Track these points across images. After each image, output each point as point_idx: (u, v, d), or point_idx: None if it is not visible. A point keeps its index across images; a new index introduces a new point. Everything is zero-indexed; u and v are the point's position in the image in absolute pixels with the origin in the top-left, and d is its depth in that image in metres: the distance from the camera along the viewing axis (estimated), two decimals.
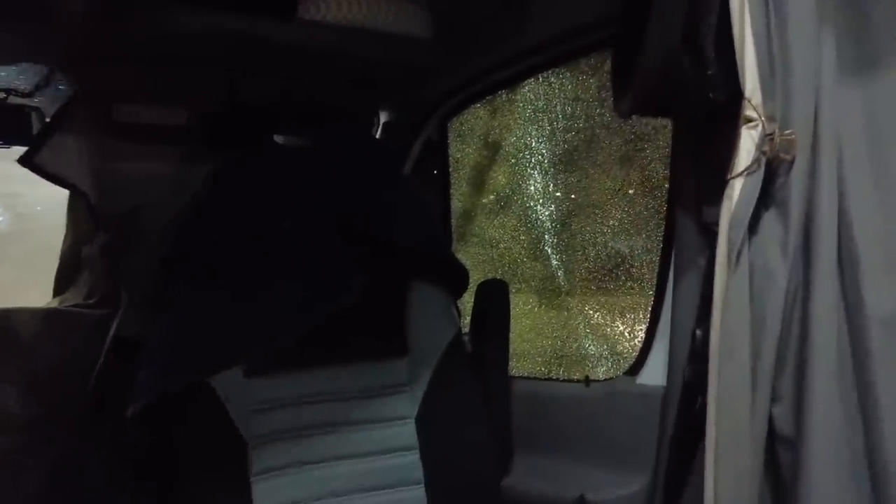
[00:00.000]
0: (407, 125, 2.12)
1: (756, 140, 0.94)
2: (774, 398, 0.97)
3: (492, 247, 2.26)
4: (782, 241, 0.93)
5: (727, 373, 0.98)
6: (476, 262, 2.29)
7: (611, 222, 1.93)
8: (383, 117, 2.17)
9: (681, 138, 1.46)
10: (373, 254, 1.53)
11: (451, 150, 2.17)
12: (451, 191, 2.23)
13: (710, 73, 1.05)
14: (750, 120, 0.95)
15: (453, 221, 2.24)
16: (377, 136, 2.14)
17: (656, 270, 1.59)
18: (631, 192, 1.88)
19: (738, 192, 0.96)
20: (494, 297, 1.82)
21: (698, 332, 1.34)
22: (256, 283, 1.44)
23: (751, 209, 0.94)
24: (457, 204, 2.25)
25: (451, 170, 2.17)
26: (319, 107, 1.94)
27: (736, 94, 0.99)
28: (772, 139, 0.92)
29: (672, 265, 1.48)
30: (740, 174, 0.96)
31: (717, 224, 1.03)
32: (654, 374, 1.54)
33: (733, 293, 0.97)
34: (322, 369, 1.51)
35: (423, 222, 1.73)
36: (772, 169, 0.94)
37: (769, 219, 0.95)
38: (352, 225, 1.54)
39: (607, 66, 1.73)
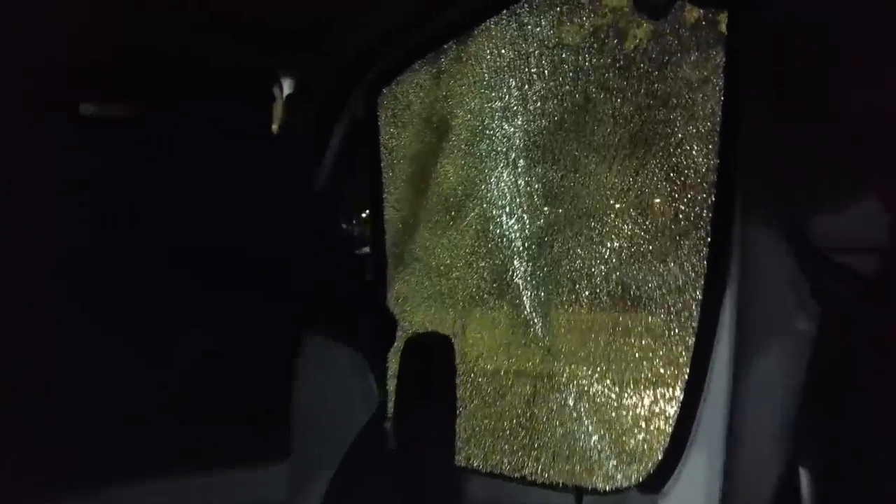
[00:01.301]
0: (321, 99, 1.67)
1: None
2: None
3: (440, 276, 1.60)
4: None
5: None
6: (419, 298, 1.63)
7: (615, 243, 1.28)
8: (286, 88, 1.70)
9: (754, 70, 0.84)
10: (243, 298, 1.20)
11: (383, 136, 1.54)
12: (385, 194, 1.58)
13: None
14: None
15: (387, 238, 1.59)
16: (278, 117, 1.69)
17: (694, 325, 1.09)
18: (649, 192, 1.21)
19: None
20: (432, 362, 1.25)
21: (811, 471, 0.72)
22: (40, 345, 1.07)
23: None
24: (392, 213, 1.61)
25: (383, 164, 1.52)
26: (182, 72, 1.48)
27: None
28: None
29: (726, 319, 0.93)
30: None
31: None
32: (690, 496, 1.05)
33: None
34: (143, 483, 1.12)
35: (330, 246, 1.42)
36: None
37: None
38: (213, 255, 1.21)
39: None
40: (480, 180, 1.50)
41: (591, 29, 1.23)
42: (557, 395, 1.37)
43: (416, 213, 1.66)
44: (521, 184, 1.41)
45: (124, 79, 1.37)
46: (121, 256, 1.22)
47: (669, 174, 1.15)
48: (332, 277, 1.39)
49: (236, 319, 1.24)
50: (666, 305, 1.17)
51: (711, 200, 1.01)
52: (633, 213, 1.23)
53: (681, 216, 1.13)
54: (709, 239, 1.04)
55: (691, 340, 1.08)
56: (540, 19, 1.28)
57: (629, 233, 1.25)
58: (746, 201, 0.87)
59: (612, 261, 1.28)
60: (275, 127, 1.64)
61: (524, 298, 1.44)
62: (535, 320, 1.43)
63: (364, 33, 1.51)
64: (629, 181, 1.24)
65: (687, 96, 1.09)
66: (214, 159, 1.40)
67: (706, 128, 1.04)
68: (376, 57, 1.57)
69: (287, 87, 1.64)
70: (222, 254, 1.28)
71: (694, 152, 1.09)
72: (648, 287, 1.21)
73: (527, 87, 1.36)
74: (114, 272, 1.20)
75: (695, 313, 1.07)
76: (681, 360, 1.12)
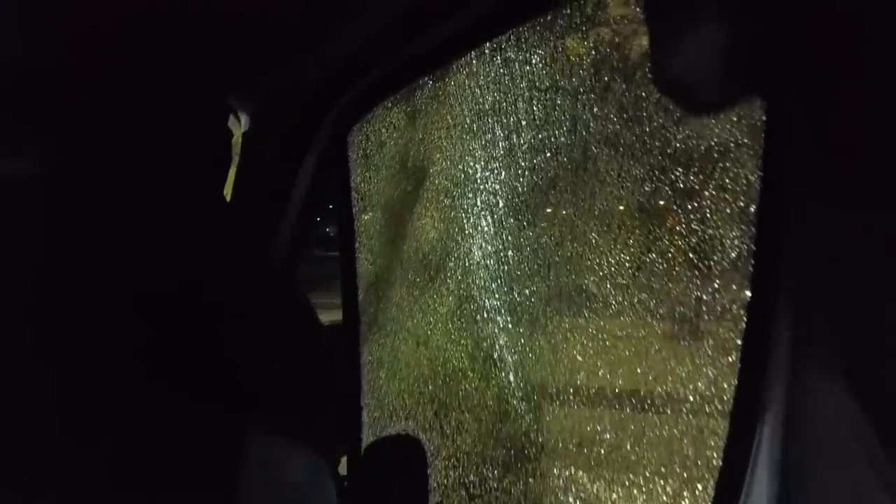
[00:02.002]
0: (285, 135, 1.41)
1: None
2: None
3: (419, 342, 1.36)
4: None
5: None
6: (396, 365, 1.40)
7: (621, 331, 1.03)
8: (244, 124, 1.44)
9: (805, 141, 0.62)
10: (167, 365, 0.85)
11: (354, 179, 1.32)
12: (356, 244, 1.37)
13: None
14: None
15: (360, 295, 1.37)
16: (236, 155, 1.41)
17: (719, 446, 0.77)
18: (663, 274, 0.98)
19: None
20: (402, 476, 1.02)
21: None
22: None
23: None
24: (365, 265, 1.39)
25: (354, 209, 1.31)
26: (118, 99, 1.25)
27: None
28: None
29: (763, 487, 0.68)
30: None
31: None
32: None
33: None
34: None
35: (286, 310, 1.03)
36: None
37: None
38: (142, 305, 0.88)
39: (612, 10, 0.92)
40: (462, 238, 1.26)
41: (593, 70, 1.00)
42: (553, 498, 1.14)
43: (392, 267, 1.42)
44: (508, 248, 1.18)
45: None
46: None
47: (689, 255, 0.92)
48: (287, 351, 1.18)
49: (166, 398, 1.02)
50: (683, 414, 0.94)
51: (747, 295, 0.78)
52: (644, 298, 1.00)
53: (704, 309, 0.90)
54: (740, 342, 0.82)
55: (715, 461, 0.86)
56: (530, 55, 1.03)
57: (639, 321, 1.01)
58: (796, 321, 0.64)
59: (617, 351, 1.05)
60: (232, 169, 1.43)
61: (514, 383, 1.21)
62: (527, 410, 1.20)
63: (333, 54, 1.32)
64: (638, 258, 1.00)
65: (713, 161, 0.85)
66: (155, 201, 1.19)
67: (740, 204, 0.80)
68: (345, 84, 1.37)
69: (244, 124, 1.43)
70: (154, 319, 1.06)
71: (721, 231, 0.86)
72: (661, 390, 0.99)
73: (514, 135, 1.12)
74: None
75: (720, 430, 0.85)
76: (700, 484, 0.90)
